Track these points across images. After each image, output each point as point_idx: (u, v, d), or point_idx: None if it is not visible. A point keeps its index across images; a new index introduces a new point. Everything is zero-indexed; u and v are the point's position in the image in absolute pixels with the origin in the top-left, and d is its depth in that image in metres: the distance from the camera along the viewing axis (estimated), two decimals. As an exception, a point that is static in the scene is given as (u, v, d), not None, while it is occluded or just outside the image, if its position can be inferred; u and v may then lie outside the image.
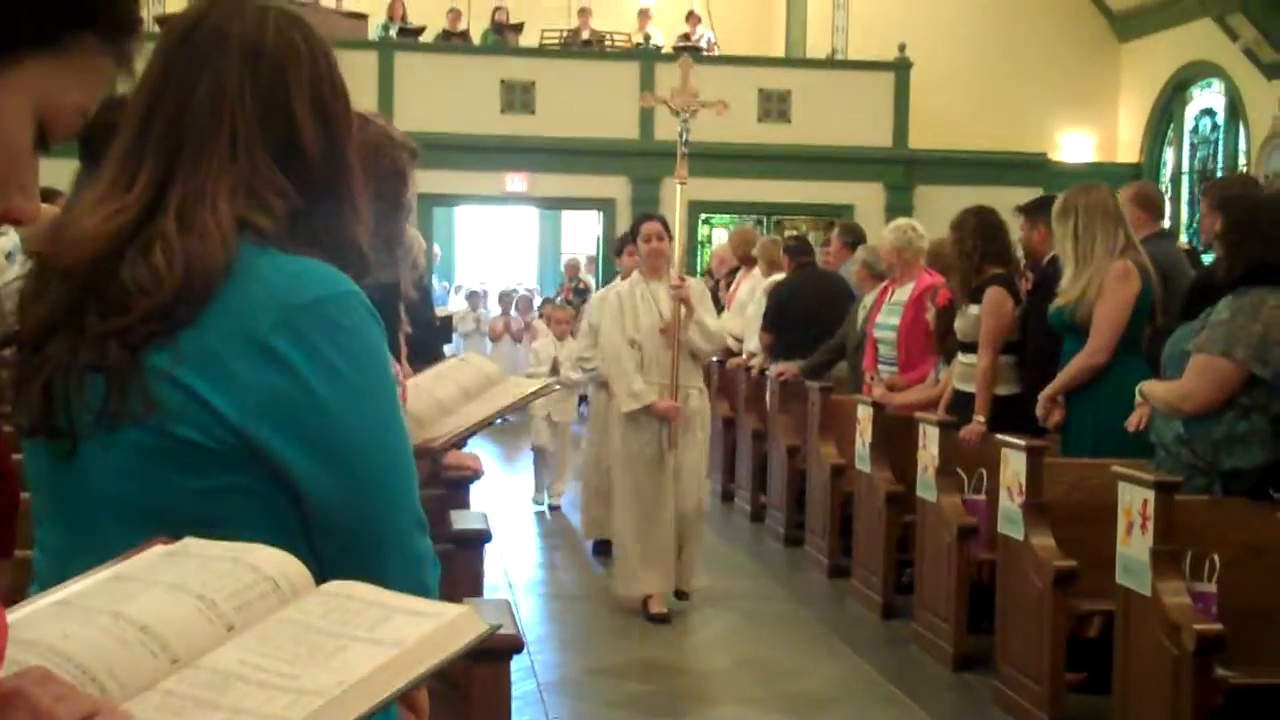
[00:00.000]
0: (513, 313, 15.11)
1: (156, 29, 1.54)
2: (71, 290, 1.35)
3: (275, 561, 1.06)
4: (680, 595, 6.36)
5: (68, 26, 0.92)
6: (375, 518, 1.38)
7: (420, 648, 0.98)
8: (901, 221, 7.37)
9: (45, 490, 1.42)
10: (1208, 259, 6.05)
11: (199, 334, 1.31)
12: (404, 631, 0.99)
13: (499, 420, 2.30)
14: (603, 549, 7.29)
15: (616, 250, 7.28)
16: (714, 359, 8.08)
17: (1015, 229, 6.48)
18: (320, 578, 1.36)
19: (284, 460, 1.32)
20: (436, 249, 14.01)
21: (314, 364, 1.32)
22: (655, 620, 6.09)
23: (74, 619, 0.94)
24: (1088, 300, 5.10)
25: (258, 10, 1.44)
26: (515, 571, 7.21)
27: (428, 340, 7.36)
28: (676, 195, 6.35)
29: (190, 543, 1.09)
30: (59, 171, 3.06)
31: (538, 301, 15.64)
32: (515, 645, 2.38)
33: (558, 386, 6.88)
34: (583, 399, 9.44)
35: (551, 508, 9.07)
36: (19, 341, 1.38)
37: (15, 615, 0.96)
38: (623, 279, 6.82)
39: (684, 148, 6.37)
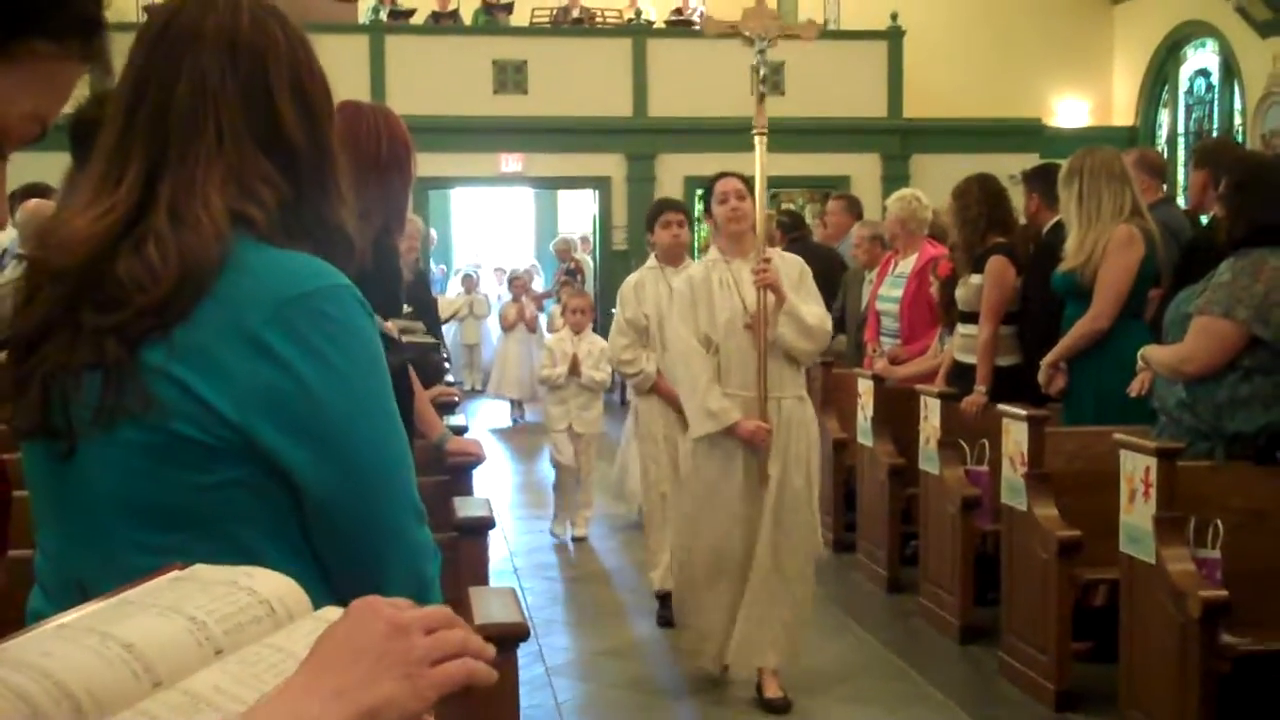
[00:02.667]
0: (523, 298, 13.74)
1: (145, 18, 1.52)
2: (66, 291, 1.34)
3: (273, 585, 1.05)
4: (773, 707, 4.72)
5: (10, 34, 0.89)
6: (373, 509, 1.38)
7: None
8: (905, 192, 7.28)
9: (45, 492, 1.42)
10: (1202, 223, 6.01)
11: (193, 329, 1.31)
12: None
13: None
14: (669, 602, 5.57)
15: (649, 224, 6.03)
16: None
17: (1017, 197, 6.43)
18: (321, 571, 1.36)
19: (280, 454, 1.32)
20: (433, 233, 13.89)
21: (307, 357, 1.32)
22: (774, 709, 4.70)
23: (64, 639, 0.93)
24: (1094, 264, 5.07)
25: (232, 2, 1.44)
26: (521, 556, 7.22)
27: (425, 325, 7.32)
28: (756, 151, 4.85)
29: (199, 568, 1.08)
30: (50, 166, 3.05)
31: (537, 282, 15.51)
32: (521, 633, 2.37)
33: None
34: (620, 401, 7.96)
35: (575, 539, 7.52)
36: (14, 344, 1.37)
37: (16, 639, 0.94)
38: (658, 259, 5.80)
39: (762, 87, 4.90)
